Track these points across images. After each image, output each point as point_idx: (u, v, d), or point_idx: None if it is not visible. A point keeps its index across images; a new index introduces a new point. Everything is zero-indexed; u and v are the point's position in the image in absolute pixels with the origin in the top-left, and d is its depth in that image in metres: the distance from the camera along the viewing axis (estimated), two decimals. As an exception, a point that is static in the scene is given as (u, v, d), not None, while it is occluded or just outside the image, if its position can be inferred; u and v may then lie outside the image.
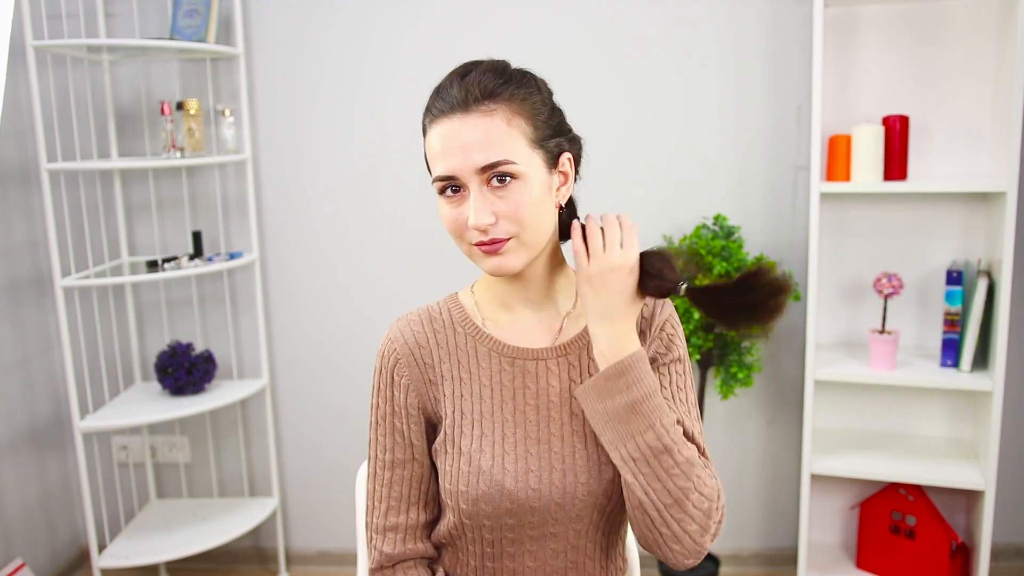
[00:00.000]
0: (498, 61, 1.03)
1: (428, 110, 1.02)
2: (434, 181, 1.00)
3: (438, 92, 1.01)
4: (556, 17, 2.35)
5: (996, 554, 2.41)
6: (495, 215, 0.97)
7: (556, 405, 1.06)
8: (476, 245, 1.00)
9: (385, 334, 1.12)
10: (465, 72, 1.01)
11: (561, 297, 1.12)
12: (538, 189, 0.99)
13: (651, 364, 1.08)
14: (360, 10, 2.39)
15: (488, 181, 0.97)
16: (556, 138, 1.03)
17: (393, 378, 1.09)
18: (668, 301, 1.13)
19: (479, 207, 0.96)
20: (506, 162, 0.96)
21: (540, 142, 1.01)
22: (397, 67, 2.41)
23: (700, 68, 2.34)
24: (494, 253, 0.99)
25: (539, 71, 1.07)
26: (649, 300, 1.11)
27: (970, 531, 2.29)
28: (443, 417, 1.07)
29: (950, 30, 2.17)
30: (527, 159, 0.98)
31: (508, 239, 0.98)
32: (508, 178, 0.97)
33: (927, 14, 2.17)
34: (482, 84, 0.98)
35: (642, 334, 1.10)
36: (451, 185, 0.99)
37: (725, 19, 2.30)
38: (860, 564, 2.34)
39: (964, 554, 2.24)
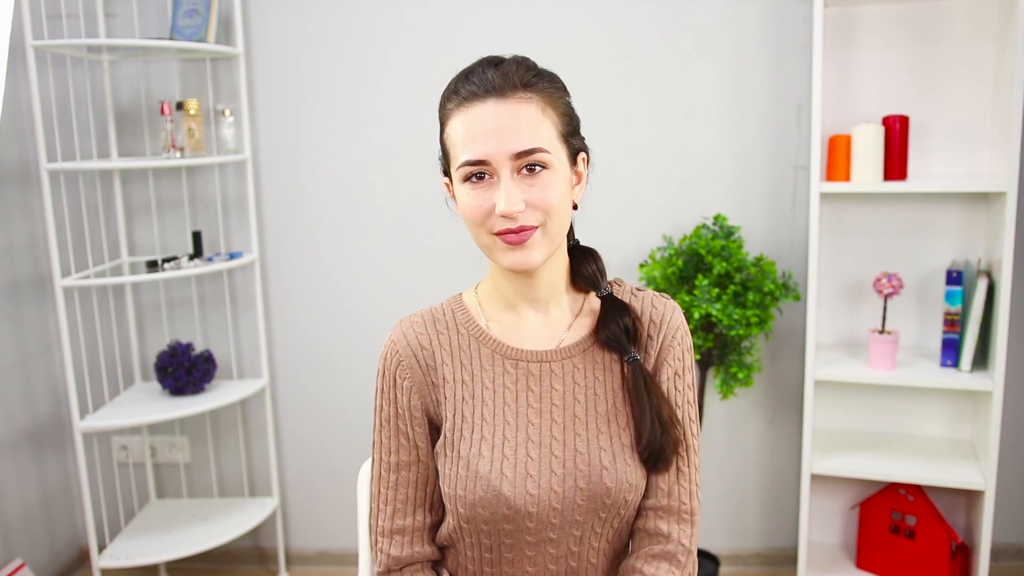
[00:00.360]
0: (525, 56, 1.03)
1: (455, 93, 1.00)
2: (461, 166, 0.98)
3: (467, 77, 1.00)
4: (556, 17, 2.35)
5: (996, 554, 2.41)
6: (524, 203, 0.97)
7: (559, 408, 1.05)
8: (500, 234, 0.98)
9: (388, 335, 1.11)
10: (497, 61, 1.00)
11: (566, 299, 1.11)
12: (563, 182, 1.00)
13: (664, 371, 1.08)
14: (360, 10, 2.39)
15: (519, 169, 0.97)
16: (577, 136, 1.05)
17: (396, 380, 1.08)
18: (675, 303, 1.12)
19: (511, 193, 0.96)
20: (541, 150, 0.97)
21: (566, 137, 1.02)
22: (397, 67, 2.40)
23: (700, 68, 2.34)
24: (519, 245, 0.98)
25: (540, 71, 1.07)
26: (651, 298, 1.12)
27: (970, 531, 2.29)
28: (444, 419, 1.07)
29: (950, 30, 2.16)
30: (557, 151, 0.99)
31: (535, 228, 0.98)
32: (539, 167, 0.97)
33: (927, 14, 2.17)
34: (519, 73, 0.98)
35: (650, 338, 1.09)
36: (478, 172, 0.98)
37: (725, 19, 2.30)
38: (860, 564, 2.34)
39: (964, 554, 2.24)
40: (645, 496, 1.07)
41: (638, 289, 1.13)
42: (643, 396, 1.04)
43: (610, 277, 1.15)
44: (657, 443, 1.02)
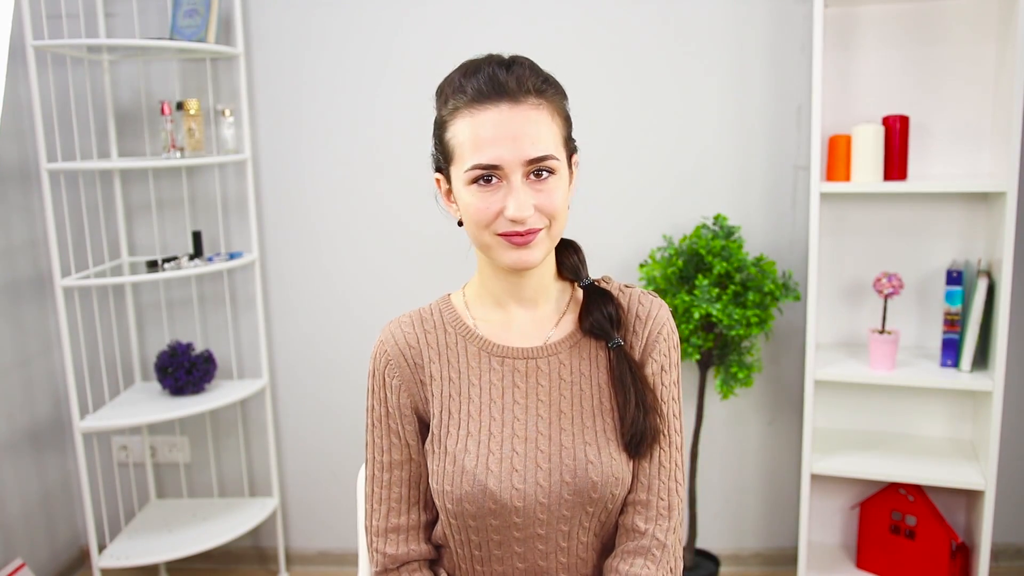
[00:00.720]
0: (526, 58, 1.04)
1: (461, 92, 1.00)
2: (471, 169, 0.99)
3: (473, 74, 1.00)
4: (555, 17, 2.35)
5: (996, 554, 2.41)
6: (533, 207, 0.99)
7: (545, 404, 1.06)
8: (504, 236, 1.00)
9: (378, 337, 1.12)
10: (506, 63, 1.01)
11: (554, 295, 1.12)
12: (565, 185, 1.03)
13: (650, 365, 1.09)
14: (361, 10, 2.39)
15: (528, 175, 0.99)
16: (571, 138, 1.07)
17: (385, 380, 1.10)
18: (662, 301, 1.13)
19: (522, 199, 0.98)
20: (552, 157, 0.99)
21: (566, 140, 1.04)
22: (397, 67, 2.41)
23: (700, 68, 2.34)
24: (523, 245, 1.00)
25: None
26: (638, 294, 1.12)
27: (970, 531, 2.29)
28: (432, 417, 1.08)
29: (950, 30, 2.16)
30: (561, 156, 1.02)
31: (539, 230, 1.00)
32: (546, 173, 0.99)
33: (927, 14, 2.17)
34: (531, 79, 1.00)
35: (635, 333, 1.10)
36: (486, 174, 0.99)
37: (725, 19, 2.30)
38: (860, 564, 2.34)
39: (964, 554, 2.24)
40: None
41: (626, 286, 1.14)
42: (627, 379, 1.05)
43: (611, 277, 1.15)
44: (640, 426, 1.04)
